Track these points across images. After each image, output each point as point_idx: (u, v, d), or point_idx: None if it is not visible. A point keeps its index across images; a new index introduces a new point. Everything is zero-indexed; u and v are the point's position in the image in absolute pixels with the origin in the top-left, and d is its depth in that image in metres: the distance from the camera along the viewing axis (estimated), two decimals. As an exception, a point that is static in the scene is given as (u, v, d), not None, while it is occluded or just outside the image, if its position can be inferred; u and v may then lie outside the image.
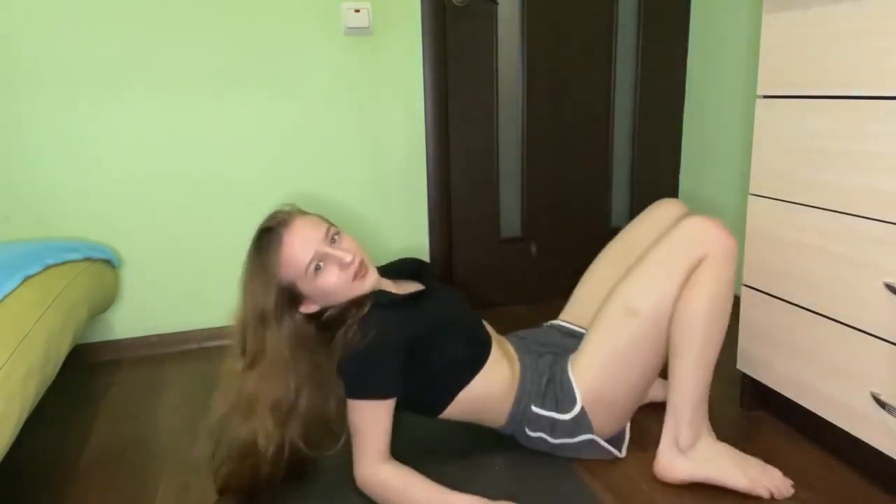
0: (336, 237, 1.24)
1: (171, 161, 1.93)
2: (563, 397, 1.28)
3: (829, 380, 1.28)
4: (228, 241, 2.02)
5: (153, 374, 1.87)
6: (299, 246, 1.19)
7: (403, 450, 1.31)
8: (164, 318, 2.02)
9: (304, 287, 1.22)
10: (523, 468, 1.32)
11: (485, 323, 1.40)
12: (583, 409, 1.26)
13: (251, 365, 1.20)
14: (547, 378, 1.30)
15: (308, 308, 1.25)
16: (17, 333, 1.21)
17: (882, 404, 1.16)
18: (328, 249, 1.20)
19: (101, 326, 1.98)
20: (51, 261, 1.54)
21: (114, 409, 1.67)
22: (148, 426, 1.58)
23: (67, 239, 1.85)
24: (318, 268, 1.20)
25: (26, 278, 1.40)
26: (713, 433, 1.28)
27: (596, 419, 1.27)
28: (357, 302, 1.23)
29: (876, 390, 1.18)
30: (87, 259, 1.74)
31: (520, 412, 1.30)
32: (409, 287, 1.38)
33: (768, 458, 1.28)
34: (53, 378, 1.35)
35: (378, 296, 1.24)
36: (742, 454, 1.26)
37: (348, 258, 1.21)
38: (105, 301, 1.83)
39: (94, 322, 1.94)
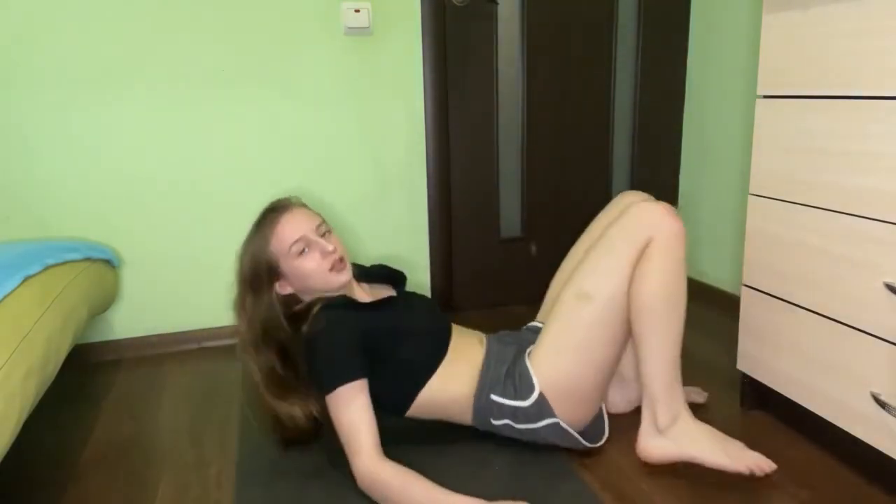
0: (327, 233, 1.38)
1: (171, 161, 1.93)
2: (522, 385, 1.31)
3: (829, 380, 1.28)
4: (228, 240, 2.02)
5: (153, 374, 1.87)
6: (291, 226, 1.35)
7: (403, 450, 1.31)
8: (164, 318, 2.02)
9: (285, 265, 1.35)
10: (523, 468, 1.33)
11: (456, 327, 1.46)
12: (541, 394, 1.29)
13: (242, 335, 1.37)
14: (507, 368, 1.34)
15: (283, 288, 1.38)
16: (17, 333, 1.21)
17: (882, 404, 1.16)
18: (315, 237, 1.35)
19: (101, 326, 1.98)
20: (51, 261, 1.54)
21: (114, 409, 1.67)
22: (148, 426, 1.58)
23: (67, 239, 1.85)
24: (302, 251, 1.34)
25: (26, 278, 1.40)
26: (691, 413, 1.29)
27: (557, 405, 1.29)
28: (321, 300, 1.34)
29: (876, 390, 1.18)
30: (87, 259, 1.74)
31: (482, 404, 1.33)
32: (383, 292, 1.50)
33: (768, 458, 1.28)
34: (53, 378, 1.35)
35: (335, 299, 1.35)
36: (723, 435, 1.27)
37: (330, 248, 1.35)
38: (105, 301, 1.83)
39: (94, 322, 1.94)
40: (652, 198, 1.48)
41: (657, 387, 1.27)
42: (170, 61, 1.87)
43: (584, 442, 1.33)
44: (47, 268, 1.52)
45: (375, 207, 2.13)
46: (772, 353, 1.42)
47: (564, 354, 1.29)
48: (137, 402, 1.71)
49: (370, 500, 1.22)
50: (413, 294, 1.53)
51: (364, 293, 1.46)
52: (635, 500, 1.23)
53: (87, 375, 1.87)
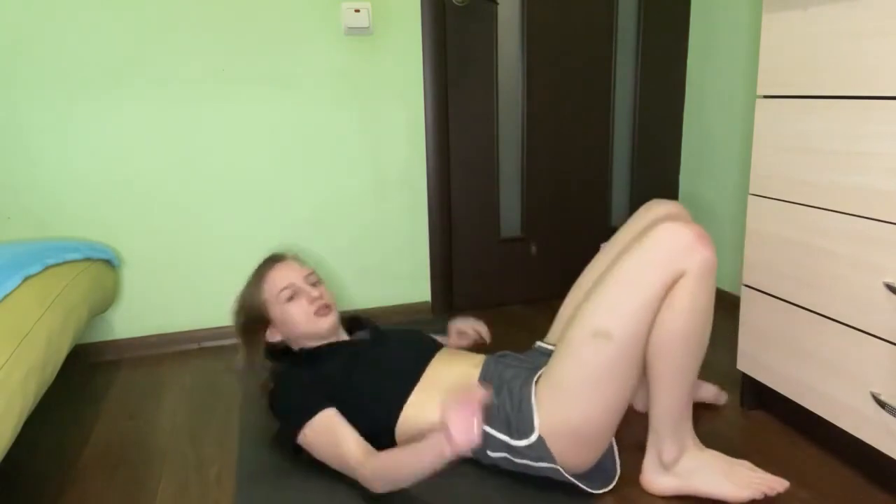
0: (316, 283, 1.47)
1: (171, 161, 1.93)
2: (520, 420, 1.20)
3: (829, 380, 1.28)
4: (228, 240, 2.02)
5: (153, 374, 1.87)
6: (281, 273, 1.45)
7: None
8: (164, 318, 2.02)
9: (273, 311, 1.44)
10: (523, 474, 1.32)
11: (448, 352, 1.42)
12: (541, 437, 1.18)
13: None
14: (502, 396, 1.24)
15: (273, 335, 1.46)
16: (17, 333, 1.21)
17: (882, 404, 1.16)
18: (303, 285, 1.44)
19: (101, 326, 1.98)
20: (51, 261, 1.54)
21: (114, 409, 1.67)
22: (148, 426, 1.58)
23: (67, 239, 1.85)
24: (290, 298, 1.42)
25: (26, 278, 1.40)
26: (699, 443, 1.25)
27: (559, 449, 1.18)
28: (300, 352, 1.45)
29: (876, 390, 1.18)
30: (87, 259, 1.74)
31: None
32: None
33: (768, 458, 1.28)
34: (53, 378, 1.35)
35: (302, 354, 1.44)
36: (730, 459, 1.23)
37: (316, 293, 1.44)
38: (105, 301, 1.83)
39: (94, 322, 1.94)
40: (683, 211, 1.39)
41: (666, 425, 1.20)
42: (170, 61, 1.87)
43: (585, 488, 1.21)
44: (47, 268, 1.52)
45: (375, 207, 2.13)
46: (772, 353, 1.41)
47: (573, 395, 1.16)
48: (137, 402, 1.71)
49: (369, 499, 1.22)
50: (391, 331, 1.50)
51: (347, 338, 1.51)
52: (636, 501, 1.23)
53: (87, 375, 1.87)
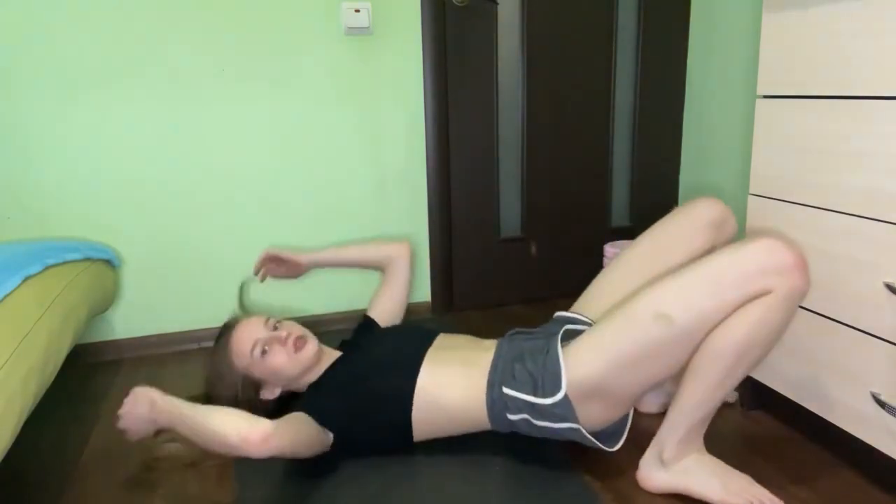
0: (277, 325, 1.44)
1: (171, 161, 1.93)
2: (546, 379, 1.21)
3: (829, 380, 1.28)
4: (228, 240, 2.02)
5: (153, 374, 1.87)
6: (243, 335, 1.42)
7: (403, 449, 1.31)
8: (164, 318, 2.02)
9: (257, 372, 1.41)
10: (523, 468, 1.32)
11: (449, 337, 1.47)
12: (566, 396, 1.19)
13: None
14: (523, 360, 1.27)
15: (271, 392, 1.44)
16: (17, 333, 1.21)
17: (882, 404, 1.16)
18: (267, 334, 1.41)
19: (101, 326, 1.98)
20: (51, 261, 1.54)
21: (114, 409, 1.65)
22: (148, 426, 1.58)
23: (67, 239, 1.85)
24: (264, 352, 1.40)
25: (26, 278, 1.40)
26: (703, 448, 1.24)
27: (583, 410, 1.20)
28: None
29: (876, 390, 1.18)
30: (87, 259, 1.74)
31: (495, 398, 1.27)
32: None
33: (768, 458, 1.28)
34: (53, 378, 1.35)
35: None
36: (729, 469, 1.22)
37: (283, 334, 1.41)
38: (105, 301, 1.83)
39: (94, 322, 1.94)
40: (730, 211, 1.37)
41: (684, 425, 1.19)
42: (170, 61, 1.87)
43: (603, 447, 1.26)
44: (47, 268, 1.52)
45: (375, 207, 2.13)
46: (772, 353, 1.41)
47: (614, 359, 1.16)
48: (137, 402, 1.71)
49: (369, 499, 1.22)
50: (375, 333, 1.59)
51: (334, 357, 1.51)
52: (635, 500, 1.23)
53: (87, 375, 1.87)
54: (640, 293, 1.16)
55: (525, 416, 1.24)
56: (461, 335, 1.51)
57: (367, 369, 1.38)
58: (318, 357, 1.44)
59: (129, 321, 2.00)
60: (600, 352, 1.18)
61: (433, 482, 1.29)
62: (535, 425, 1.25)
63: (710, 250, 1.35)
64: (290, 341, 1.41)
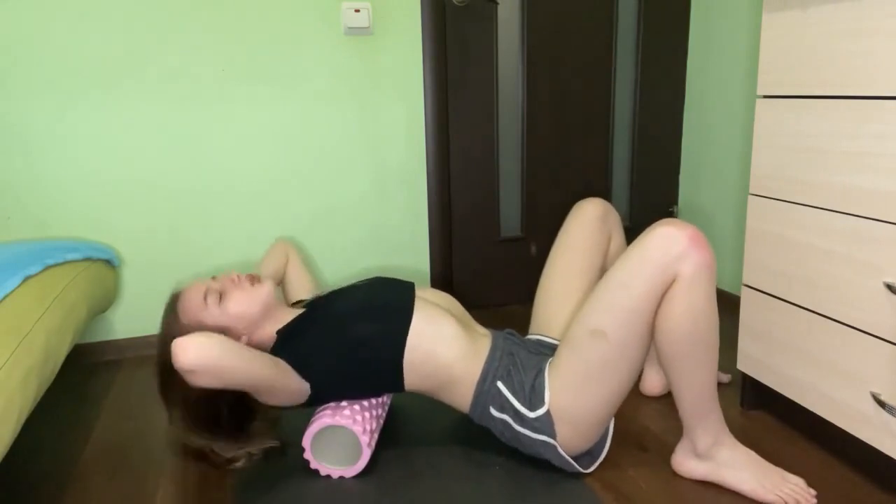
0: (215, 278, 1.36)
1: (171, 161, 1.93)
2: (533, 393, 1.25)
3: (829, 380, 1.28)
4: (228, 240, 2.02)
5: (153, 374, 1.86)
6: (192, 294, 1.32)
7: (403, 449, 1.31)
8: (164, 318, 2.02)
9: (223, 321, 1.30)
10: (523, 468, 1.32)
11: (432, 293, 1.46)
12: (548, 412, 1.23)
13: None
14: (520, 367, 1.28)
15: (251, 340, 1.33)
16: (17, 333, 1.21)
17: (882, 404, 1.16)
18: (217, 284, 1.33)
19: (101, 326, 1.98)
20: (51, 261, 1.54)
21: (114, 409, 1.67)
22: (148, 426, 1.58)
23: (67, 239, 1.85)
24: (220, 297, 1.31)
25: (26, 278, 1.40)
26: (734, 439, 1.26)
27: (560, 428, 1.23)
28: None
29: (876, 390, 1.18)
30: (87, 259, 1.74)
31: (485, 388, 1.27)
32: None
33: (769, 458, 1.28)
34: (53, 378, 1.35)
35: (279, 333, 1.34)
36: (763, 462, 1.24)
37: (234, 274, 1.35)
38: (105, 301, 1.83)
39: (94, 322, 1.94)
40: (609, 208, 1.48)
41: (693, 419, 1.23)
42: (170, 61, 1.87)
43: (577, 467, 1.27)
44: (47, 268, 1.52)
45: (375, 207, 2.13)
46: (772, 353, 1.42)
47: (574, 388, 1.22)
48: (137, 402, 1.71)
49: (370, 499, 1.22)
50: (335, 291, 1.45)
51: (288, 312, 1.41)
52: (635, 500, 1.23)
53: (87, 375, 1.87)
54: (575, 319, 1.23)
55: (507, 417, 1.27)
56: (437, 290, 1.48)
57: (348, 313, 1.31)
58: (274, 299, 1.36)
59: (129, 321, 2.00)
60: (567, 379, 1.23)
61: (434, 483, 1.29)
62: (513, 429, 1.27)
63: (609, 238, 1.50)
64: (244, 278, 1.34)
